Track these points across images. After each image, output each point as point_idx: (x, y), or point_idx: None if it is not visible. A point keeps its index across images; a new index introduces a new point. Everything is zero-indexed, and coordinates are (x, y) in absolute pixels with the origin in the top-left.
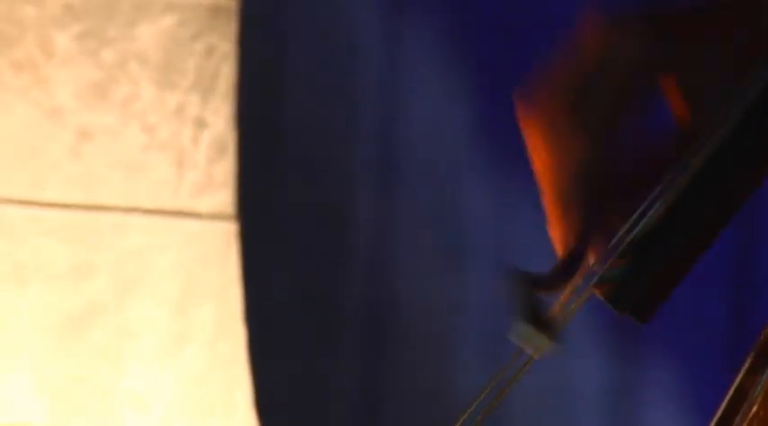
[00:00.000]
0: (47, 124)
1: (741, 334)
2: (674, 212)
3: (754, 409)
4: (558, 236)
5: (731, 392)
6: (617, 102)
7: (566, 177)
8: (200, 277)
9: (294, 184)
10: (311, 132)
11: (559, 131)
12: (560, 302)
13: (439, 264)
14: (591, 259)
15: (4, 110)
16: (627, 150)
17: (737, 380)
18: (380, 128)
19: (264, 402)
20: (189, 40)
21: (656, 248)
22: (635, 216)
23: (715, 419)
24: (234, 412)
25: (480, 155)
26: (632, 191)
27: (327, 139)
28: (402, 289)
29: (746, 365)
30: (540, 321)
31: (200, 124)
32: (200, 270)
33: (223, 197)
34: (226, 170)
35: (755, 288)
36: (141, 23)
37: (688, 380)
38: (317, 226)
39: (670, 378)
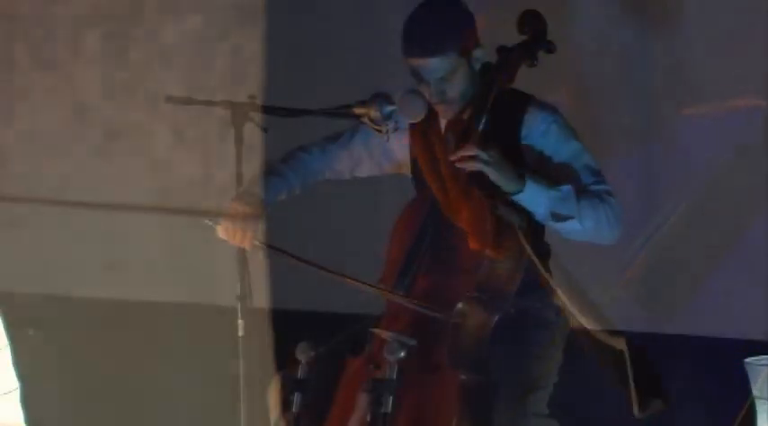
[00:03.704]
0: (74, 123)
1: None
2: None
3: None
4: None
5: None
6: None
7: None
8: (228, 276)
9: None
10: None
11: None
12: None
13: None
14: None
15: (33, 110)
16: None
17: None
18: None
19: (291, 401)
20: (215, 40)
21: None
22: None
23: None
24: (260, 411)
25: None
26: None
27: None
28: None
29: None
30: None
31: (228, 124)
32: (229, 269)
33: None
34: (254, 170)
35: None
36: (168, 23)
37: (715, 386)
38: (345, 226)
39: (697, 384)
